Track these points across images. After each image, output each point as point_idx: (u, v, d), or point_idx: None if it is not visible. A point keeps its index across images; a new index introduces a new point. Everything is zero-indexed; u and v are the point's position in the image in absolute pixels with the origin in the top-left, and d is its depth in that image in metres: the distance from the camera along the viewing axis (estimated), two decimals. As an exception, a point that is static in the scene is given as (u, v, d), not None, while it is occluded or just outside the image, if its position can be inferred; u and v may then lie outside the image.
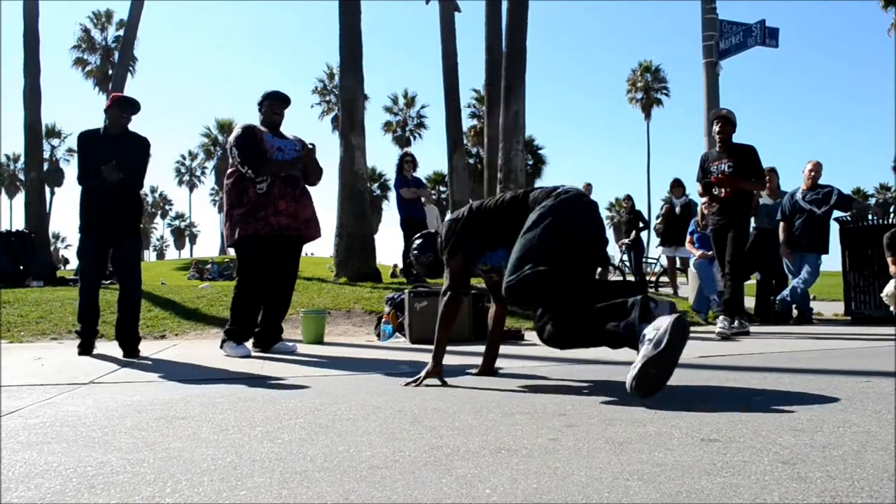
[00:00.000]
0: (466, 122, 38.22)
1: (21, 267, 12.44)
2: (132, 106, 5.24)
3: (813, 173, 7.81)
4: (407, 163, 9.82)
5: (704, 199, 8.42)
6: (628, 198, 13.54)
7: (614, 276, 6.59)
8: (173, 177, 74.15)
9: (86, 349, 5.08)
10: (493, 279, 3.50)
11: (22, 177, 42.15)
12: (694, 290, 8.30)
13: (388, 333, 6.38)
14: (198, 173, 72.92)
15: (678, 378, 3.17)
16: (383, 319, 6.62)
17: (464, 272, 3.43)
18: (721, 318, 6.18)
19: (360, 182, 11.29)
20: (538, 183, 45.84)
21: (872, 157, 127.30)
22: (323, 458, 1.83)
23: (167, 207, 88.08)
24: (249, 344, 5.12)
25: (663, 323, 2.50)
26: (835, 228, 8.18)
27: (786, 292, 7.70)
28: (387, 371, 3.96)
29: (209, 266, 21.67)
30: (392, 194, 13.83)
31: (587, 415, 2.37)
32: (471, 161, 36.33)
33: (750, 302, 6.89)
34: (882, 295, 7.10)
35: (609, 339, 2.74)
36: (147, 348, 5.41)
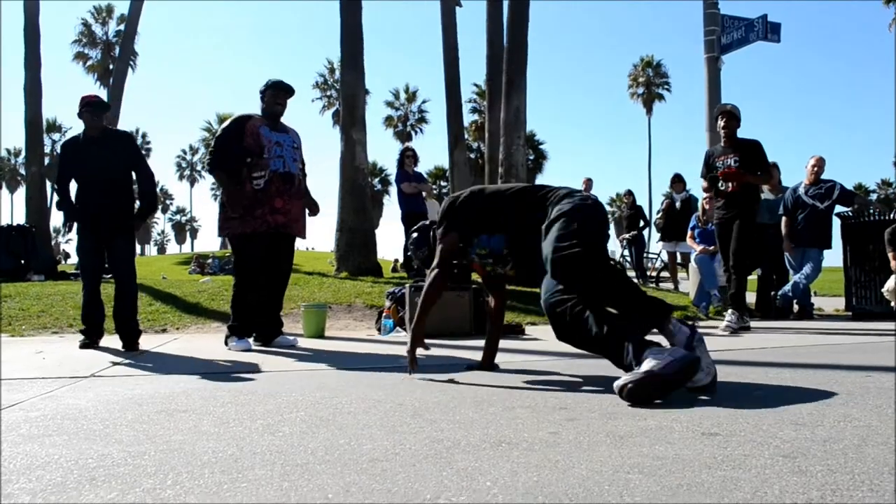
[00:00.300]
0: (467, 117, 38.26)
1: (22, 261, 12.45)
2: (101, 106, 5.30)
3: (816, 168, 7.80)
4: (408, 158, 9.81)
5: (706, 195, 8.43)
6: (629, 193, 13.53)
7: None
8: (174, 171, 74.26)
9: (88, 346, 5.13)
10: (487, 269, 3.47)
11: (23, 171, 42.11)
12: (695, 285, 8.30)
13: (389, 328, 6.38)
14: (198, 168, 73.01)
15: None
16: (384, 314, 6.62)
17: (453, 252, 3.40)
18: (729, 311, 6.15)
19: (361, 177, 11.28)
20: (539, 178, 45.84)
21: (874, 152, 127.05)
22: (324, 450, 1.83)
23: (168, 202, 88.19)
24: (251, 338, 5.14)
25: (678, 353, 2.49)
26: (836, 224, 8.17)
27: (787, 287, 7.69)
28: (387, 365, 3.97)
29: (210, 261, 21.63)
30: (393, 189, 13.83)
31: (588, 408, 2.38)
32: (472, 156, 36.28)
33: (751, 297, 6.88)
34: (883, 290, 7.10)
35: (607, 356, 2.77)
36: (148, 342, 5.42)
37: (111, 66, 37.41)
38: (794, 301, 8.01)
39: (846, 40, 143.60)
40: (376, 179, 54.04)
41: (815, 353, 4.23)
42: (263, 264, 5.09)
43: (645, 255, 13.97)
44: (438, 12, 16.88)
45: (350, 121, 11.21)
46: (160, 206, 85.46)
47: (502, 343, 3.82)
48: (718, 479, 1.47)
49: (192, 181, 75.46)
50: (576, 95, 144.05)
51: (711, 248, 7.95)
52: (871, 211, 8.17)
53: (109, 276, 5.73)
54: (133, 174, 5.38)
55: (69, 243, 62.95)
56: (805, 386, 2.84)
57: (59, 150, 5.44)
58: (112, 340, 5.42)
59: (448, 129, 16.72)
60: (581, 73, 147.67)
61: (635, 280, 8.97)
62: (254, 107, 5.40)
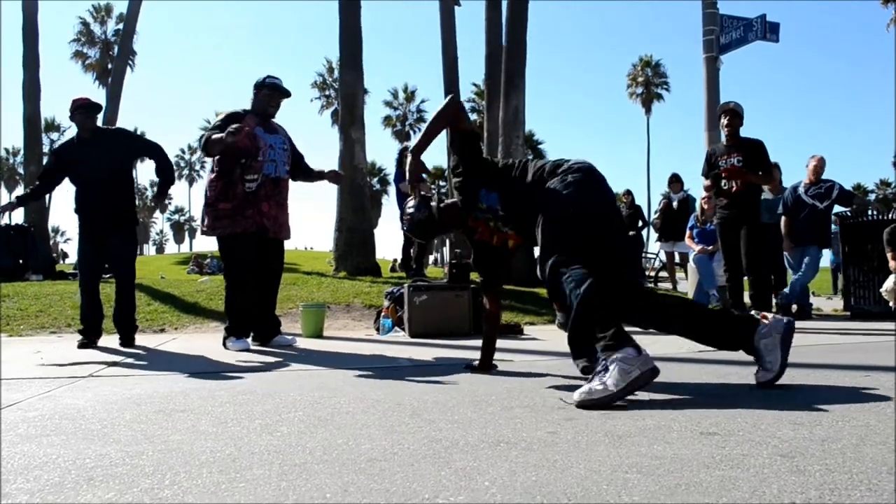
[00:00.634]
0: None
1: (20, 261, 12.43)
2: (93, 108, 5.39)
3: (817, 168, 7.80)
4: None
5: (705, 195, 8.43)
6: (628, 193, 13.52)
7: None
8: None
9: (86, 346, 5.14)
10: (489, 225, 3.40)
11: (21, 171, 42.09)
12: (693, 286, 8.30)
13: (388, 327, 6.38)
14: (197, 167, 73.01)
15: (677, 373, 3.18)
16: (382, 313, 6.62)
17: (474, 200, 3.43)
18: (752, 314, 6.11)
19: (360, 176, 11.28)
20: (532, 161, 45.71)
21: (873, 152, 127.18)
22: (322, 450, 1.83)
23: (166, 202, 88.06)
24: (249, 338, 5.13)
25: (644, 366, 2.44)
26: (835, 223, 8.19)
27: (787, 289, 7.70)
28: (386, 365, 3.97)
29: (208, 260, 21.62)
30: (392, 189, 13.82)
31: (586, 408, 2.37)
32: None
33: (749, 298, 6.88)
34: (882, 290, 7.10)
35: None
36: (146, 341, 5.42)
37: (110, 66, 37.40)
38: (793, 301, 8.01)
39: (845, 40, 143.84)
40: (375, 179, 54.04)
41: (812, 353, 4.23)
42: (253, 266, 5.07)
43: (644, 255, 13.97)
44: (437, 12, 16.89)
45: (349, 120, 11.21)
46: (158, 206, 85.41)
47: (500, 343, 3.82)
48: (717, 479, 1.47)
49: (191, 181, 75.50)
50: (575, 95, 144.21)
51: (710, 247, 7.95)
52: (870, 211, 8.17)
53: (108, 275, 5.75)
54: (132, 171, 5.49)
55: (68, 243, 63.04)
56: (803, 385, 2.84)
57: (54, 158, 5.51)
58: (110, 340, 5.42)
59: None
60: (580, 73, 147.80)
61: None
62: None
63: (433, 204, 3.57)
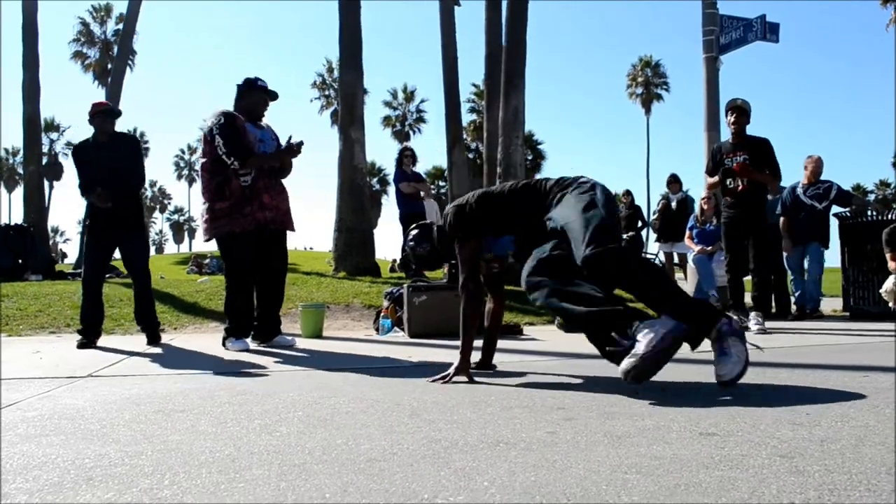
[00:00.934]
0: (466, 117, 38.16)
1: (20, 261, 12.43)
2: (114, 113, 5.52)
3: (816, 169, 7.81)
4: (406, 157, 9.81)
5: (704, 195, 8.44)
6: (627, 193, 13.53)
7: None
8: (172, 171, 74.27)
9: (86, 346, 5.16)
10: (493, 270, 3.48)
11: (21, 170, 42.03)
12: (693, 286, 8.30)
13: (387, 328, 6.38)
14: (196, 167, 72.87)
15: (676, 373, 3.18)
16: (382, 314, 6.62)
17: (477, 259, 3.39)
18: (752, 314, 6.08)
19: (360, 176, 11.28)
20: (538, 177, 45.75)
21: (872, 153, 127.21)
22: (321, 450, 1.83)
23: (166, 202, 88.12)
24: (249, 338, 5.12)
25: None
26: (834, 224, 8.18)
27: (798, 293, 7.77)
28: (385, 365, 3.97)
29: (208, 260, 21.61)
30: (391, 189, 13.82)
31: (585, 408, 2.38)
32: (470, 156, 36.27)
33: (748, 297, 6.88)
34: (881, 291, 7.10)
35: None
36: (145, 342, 5.41)
37: (109, 66, 37.37)
38: (794, 301, 8.03)
39: (844, 40, 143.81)
40: (374, 179, 54.01)
41: (812, 353, 4.23)
42: (253, 265, 5.05)
43: (643, 255, 13.95)
44: (437, 12, 16.88)
45: (349, 120, 11.21)
46: (158, 206, 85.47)
47: (500, 343, 3.82)
48: (716, 479, 1.47)
49: (191, 181, 75.38)
50: (575, 95, 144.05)
51: (709, 248, 7.95)
52: (869, 211, 8.18)
53: (107, 275, 5.78)
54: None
55: (67, 243, 63.09)
56: (803, 386, 2.84)
57: (71, 157, 5.68)
58: (109, 340, 5.42)
59: (446, 129, 16.71)
60: (580, 73, 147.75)
61: None
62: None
63: (435, 229, 3.54)
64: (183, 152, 74.77)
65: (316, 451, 1.82)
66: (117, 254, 5.60)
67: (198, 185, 5.20)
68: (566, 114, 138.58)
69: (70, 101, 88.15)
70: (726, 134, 6.75)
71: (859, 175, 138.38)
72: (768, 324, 6.09)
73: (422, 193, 9.87)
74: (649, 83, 54.26)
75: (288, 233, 5.29)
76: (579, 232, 2.84)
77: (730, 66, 10.39)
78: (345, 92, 11.54)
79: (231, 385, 3.18)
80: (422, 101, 52.96)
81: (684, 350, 2.97)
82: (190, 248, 73.88)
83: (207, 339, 5.84)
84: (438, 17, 16.82)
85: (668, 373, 3.17)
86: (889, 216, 7.74)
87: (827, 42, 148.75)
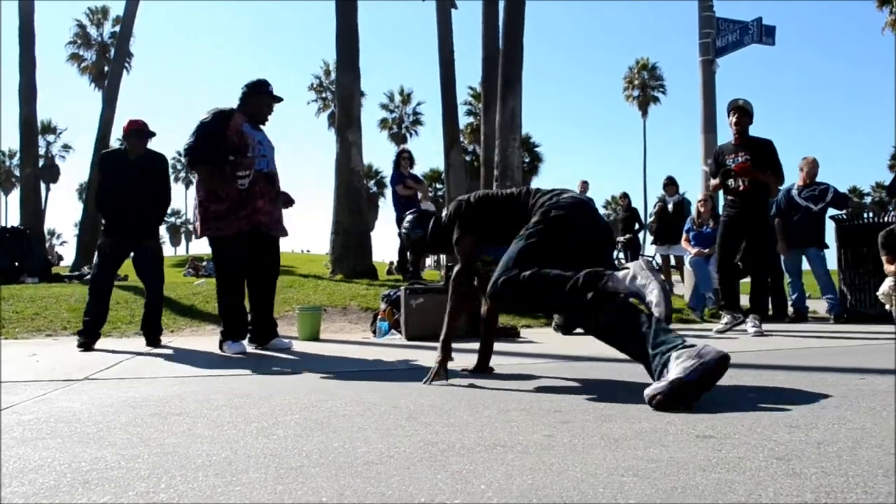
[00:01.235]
0: (463, 120, 38.32)
1: (16, 263, 12.40)
2: (150, 134, 5.65)
3: (812, 171, 7.82)
4: (404, 159, 9.82)
5: (701, 198, 8.45)
6: (625, 196, 13.56)
7: None
8: (169, 173, 74.09)
9: (86, 347, 5.23)
10: (489, 273, 3.49)
11: (17, 173, 41.98)
12: (690, 288, 8.31)
13: (384, 330, 6.38)
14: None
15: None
16: (379, 316, 6.62)
17: (472, 254, 3.41)
18: (749, 317, 6.06)
19: (357, 179, 11.28)
20: (535, 180, 45.86)
21: (869, 155, 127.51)
22: (318, 454, 1.82)
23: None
24: (245, 341, 5.11)
25: (707, 355, 2.39)
26: (830, 226, 8.21)
27: (826, 302, 7.85)
28: (382, 368, 3.96)
29: (205, 263, 21.55)
30: (388, 191, 13.82)
31: (582, 411, 2.38)
32: (467, 158, 36.31)
33: (745, 300, 6.90)
34: (878, 293, 7.12)
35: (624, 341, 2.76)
36: (142, 345, 5.41)
37: (106, 68, 37.33)
38: (790, 303, 8.05)
39: (840, 41, 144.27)
40: (371, 182, 54.04)
41: (809, 356, 4.24)
42: (246, 267, 5.03)
43: (640, 257, 13.96)
44: (434, 14, 16.89)
45: (346, 122, 11.21)
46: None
47: (497, 346, 3.82)
48: (713, 482, 1.47)
49: (187, 183, 75.21)
50: (572, 97, 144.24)
51: (706, 250, 7.96)
52: (866, 213, 8.21)
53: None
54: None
55: (63, 246, 62.95)
56: (799, 388, 2.84)
57: (98, 162, 5.83)
58: (105, 343, 5.41)
59: (443, 131, 16.72)
60: (577, 75, 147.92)
61: None
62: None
63: (431, 222, 3.58)
64: (179, 155, 74.38)
65: (313, 454, 1.82)
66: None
67: (194, 188, 5.14)
68: (563, 115, 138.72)
69: (67, 103, 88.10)
70: (724, 136, 6.76)
71: (855, 177, 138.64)
72: (765, 326, 6.10)
73: (419, 195, 9.88)
74: (646, 86, 54.34)
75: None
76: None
77: (726, 69, 10.40)
78: (342, 94, 11.54)
79: (228, 388, 3.18)
80: (418, 104, 53.16)
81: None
82: (187, 251, 73.70)
83: (204, 341, 5.83)
84: (435, 19, 16.84)
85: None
86: (885, 219, 7.77)
87: (823, 44, 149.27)
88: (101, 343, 5.40)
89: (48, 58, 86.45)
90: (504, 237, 3.24)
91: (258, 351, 5.03)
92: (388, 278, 11.61)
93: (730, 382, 3.06)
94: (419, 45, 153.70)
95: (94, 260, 5.62)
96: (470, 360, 3.72)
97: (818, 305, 9.40)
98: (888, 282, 6.89)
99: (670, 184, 11.35)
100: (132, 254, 5.65)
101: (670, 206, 11.11)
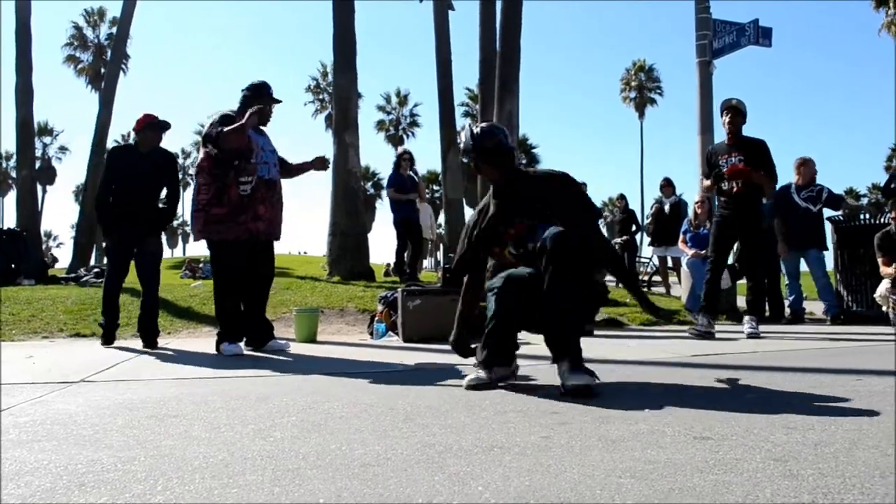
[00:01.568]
0: (460, 121, 38.24)
1: (13, 265, 12.38)
2: (165, 126, 5.68)
3: (810, 171, 7.83)
4: (405, 160, 9.83)
5: (698, 199, 8.46)
6: (622, 197, 13.57)
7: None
8: (178, 172, 74.08)
9: (108, 340, 5.47)
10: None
11: (14, 175, 41.91)
12: (686, 290, 8.31)
13: (381, 332, 6.37)
14: (191, 172, 72.75)
15: (671, 376, 3.18)
16: (376, 318, 6.61)
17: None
18: (746, 318, 6.04)
19: (354, 180, 11.27)
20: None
21: (865, 157, 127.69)
22: (315, 455, 1.82)
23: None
24: (242, 343, 5.10)
25: None
26: (827, 228, 8.21)
27: (824, 304, 7.85)
28: (379, 370, 3.96)
29: (202, 265, 21.53)
30: (386, 193, 13.83)
31: (579, 413, 2.37)
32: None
33: (741, 301, 6.90)
34: (875, 295, 7.14)
35: None
36: (138, 347, 5.39)
37: (103, 70, 37.29)
38: (787, 305, 8.06)
39: (837, 42, 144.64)
40: (369, 183, 54.08)
41: (806, 357, 4.24)
42: (243, 272, 5.04)
43: (637, 259, 13.99)
44: (431, 16, 16.90)
45: (343, 124, 11.19)
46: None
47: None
48: (710, 483, 1.47)
49: (185, 185, 75.14)
50: (569, 98, 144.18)
51: (703, 251, 7.96)
52: (862, 215, 8.22)
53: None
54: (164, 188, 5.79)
55: (60, 247, 62.89)
56: (796, 390, 2.85)
57: (107, 157, 5.92)
58: (101, 344, 5.40)
59: (441, 133, 16.71)
60: (574, 76, 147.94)
61: None
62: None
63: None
64: (177, 156, 74.58)
65: (310, 455, 1.82)
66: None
67: (192, 189, 5.14)
68: (560, 116, 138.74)
69: (63, 105, 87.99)
70: (720, 137, 6.72)
71: (852, 178, 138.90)
72: (762, 328, 6.10)
73: (416, 198, 9.90)
74: (643, 87, 54.43)
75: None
76: None
77: (723, 70, 10.40)
78: (339, 96, 11.53)
79: (224, 390, 3.17)
80: (415, 105, 53.23)
81: (678, 355, 3.00)
82: (184, 253, 73.51)
83: (201, 343, 5.82)
84: (432, 20, 16.85)
85: (662, 377, 3.17)
86: (882, 220, 7.78)
87: (819, 45, 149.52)
88: (97, 345, 5.39)
89: (45, 59, 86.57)
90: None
91: (255, 353, 5.02)
92: (385, 280, 11.60)
93: (727, 384, 3.07)
94: (416, 47, 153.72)
95: (106, 261, 5.70)
96: (469, 362, 3.72)
97: (815, 307, 9.42)
98: (885, 283, 6.90)
99: (667, 185, 11.36)
100: (135, 250, 5.63)
101: (667, 208, 11.12)
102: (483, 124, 3.50)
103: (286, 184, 5.37)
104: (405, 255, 10.43)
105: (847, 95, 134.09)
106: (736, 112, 6.03)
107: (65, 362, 4.47)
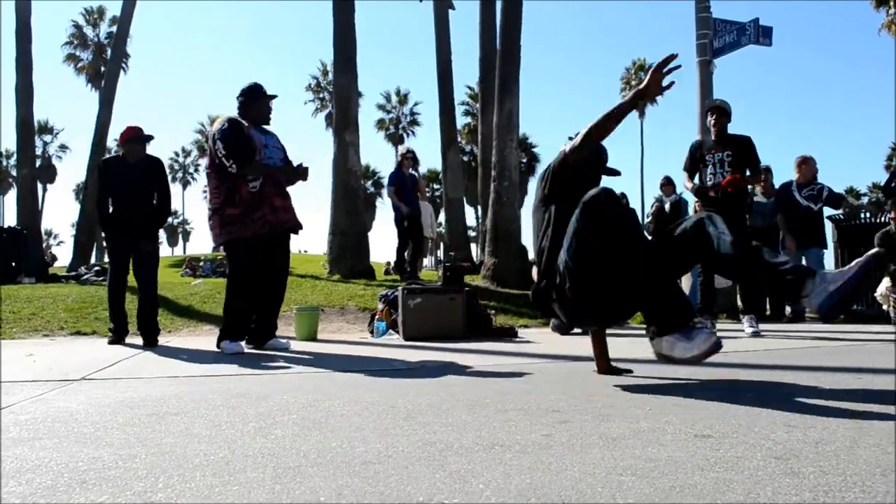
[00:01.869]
0: (460, 120, 38.29)
1: (13, 263, 12.40)
2: (148, 139, 5.89)
3: (811, 170, 7.83)
4: (407, 160, 9.86)
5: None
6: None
7: None
8: (167, 175, 74.01)
9: (118, 339, 5.62)
10: None
11: (14, 173, 41.93)
12: (688, 288, 8.32)
13: (382, 330, 6.38)
14: (191, 171, 72.85)
15: (671, 374, 3.18)
16: (377, 316, 6.61)
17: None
18: (746, 317, 6.04)
19: (354, 179, 11.27)
20: (532, 181, 45.84)
21: (866, 155, 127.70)
22: (316, 453, 1.82)
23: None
24: (243, 341, 5.11)
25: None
26: (828, 226, 8.21)
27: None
28: (380, 368, 3.96)
29: (202, 263, 21.58)
30: (385, 191, 13.84)
31: (580, 411, 2.37)
32: (465, 158, 36.35)
33: (739, 301, 6.91)
34: (875, 294, 7.14)
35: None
36: (139, 345, 5.40)
37: (103, 68, 37.29)
38: (787, 303, 8.05)
39: (837, 41, 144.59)
40: (369, 182, 54.11)
41: (806, 355, 4.24)
42: (259, 269, 5.06)
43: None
44: (431, 14, 16.89)
45: (343, 123, 11.20)
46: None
47: (495, 346, 3.82)
48: (711, 481, 1.47)
49: (185, 184, 75.18)
50: (569, 97, 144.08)
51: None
52: (863, 213, 8.22)
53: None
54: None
55: (60, 246, 62.94)
56: (797, 388, 2.85)
57: (99, 169, 6.17)
58: (101, 342, 5.40)
59: (441, 131, 16.72)
60: (574, 75, 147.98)
61: None
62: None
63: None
64: (177, 155, 74.43)
65: (311, 453, 1.82)
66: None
67: (192, 188, 5.21)
68: (561, 115, 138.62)
69: (63, 103, 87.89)
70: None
71: (852, 178, 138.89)
72: (762, 326, 6.10)
73: (416, 203, 9.94)
74: (643, 86, 54.38)
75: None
76: None
77: (724, 69, 10.39)
78: (339, 95, 11.53)
79: (225, 388, 3.17)
80: (415, 104, 53.26)
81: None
82: (184, 251, 73.51)
83: (202, 341, 5.83)
84: (433, 20, 16.84)
85: (663, 375, 3.17)
86: (882, 219, 7.78)
87: (820, 44, 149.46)
88: (98, 343, 5.39)
89: (45, 58, 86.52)
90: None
91: (256, 351, 5.03)
92: (385, 278, 11.61)
93: (728, 382, 3.07)
94: (416, 46, 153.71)
95: (107, 261, 5.87)
96: (470, 361, 3.72)
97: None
98: (885, 282, 6.90)
99: (668, 184, 11.35)
100: (133, 251, 5.79)
101: (668, 207, 11.10)
102: None
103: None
104: (406, 253, 10.44)
105: (847, 95, 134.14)
106: (721, 112, 6.20)
107: (65, 360, 4.47)
